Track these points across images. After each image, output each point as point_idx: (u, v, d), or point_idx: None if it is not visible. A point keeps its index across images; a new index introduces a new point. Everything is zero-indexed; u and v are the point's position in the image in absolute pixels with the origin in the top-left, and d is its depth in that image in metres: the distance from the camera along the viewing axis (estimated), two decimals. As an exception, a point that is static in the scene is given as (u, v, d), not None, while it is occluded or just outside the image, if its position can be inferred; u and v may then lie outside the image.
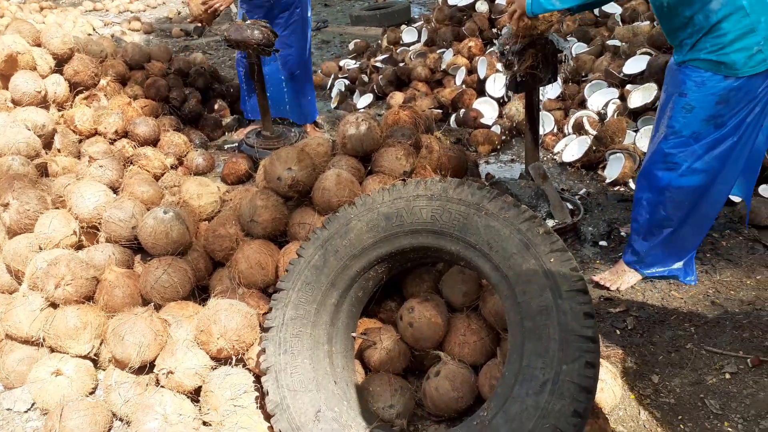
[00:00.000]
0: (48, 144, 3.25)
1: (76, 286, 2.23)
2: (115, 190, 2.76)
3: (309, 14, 4.30)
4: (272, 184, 2.47)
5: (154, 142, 3.66)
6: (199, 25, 3.99)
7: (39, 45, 3.63)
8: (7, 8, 8.18)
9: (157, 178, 3.42)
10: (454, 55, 5.29)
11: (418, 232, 1.95)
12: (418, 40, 6.14)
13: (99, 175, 2.75)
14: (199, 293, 2.44)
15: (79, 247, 2.53)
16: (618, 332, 2.40)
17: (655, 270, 2.60)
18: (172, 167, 3.57)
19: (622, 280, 2.63)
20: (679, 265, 2.57)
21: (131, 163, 3.40)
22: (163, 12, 10.19)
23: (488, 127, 4.46)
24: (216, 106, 4.81)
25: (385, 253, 2.00)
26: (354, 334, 2.10)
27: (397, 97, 5.13)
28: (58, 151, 3.27)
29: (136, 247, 2.49)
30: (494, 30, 5.36)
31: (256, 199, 2.43)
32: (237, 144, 4.36)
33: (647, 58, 3.97)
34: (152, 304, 2.20)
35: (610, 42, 4.63)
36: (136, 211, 2.49)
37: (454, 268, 2.22)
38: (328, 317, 1.99)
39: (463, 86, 4.98)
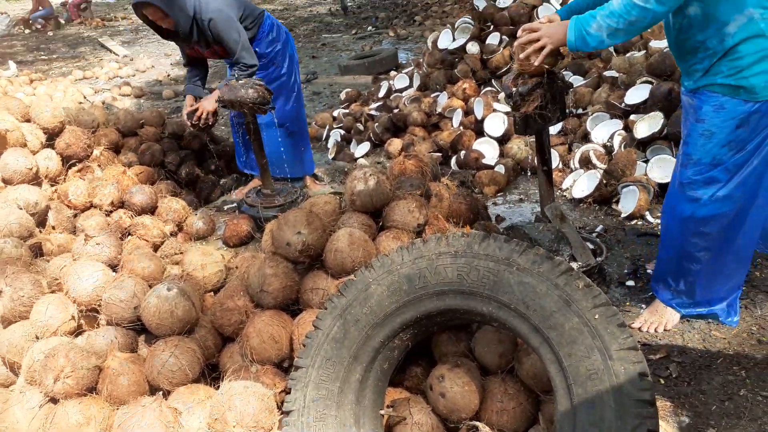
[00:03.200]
0: (41, 221, 3.12)
1: (76, 378, 2.05)
2: (113, 267, 2.61)
3: (288, 69, 4.18)
4: (281, 250, 2.33)
5: (151, 209, 3.53)
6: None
7: (28, 120, 3.54)
8: (-3, 83, 8.19)
9: (156, 247, 3.28)
10: (449, 97, 5.24)
11: (445, 294, 1.80)
12: (410, 86, 6.11)
13: (96, 253, 2.60)
14: (209, 371, 2.27)
15: (78, 332, 2.37)
16: (662, 381, 2.23)
17: (694, 309, 2.44)
18: (171, 234, 3.44)
19: (663, 320, 2.47)
20: (721, 305, 2.41)
21: (129, 233, 3.27)
22: (153, 75, 10.23)
23: (491, 167, 4.36)
24: (212, 167, 4.71)
25: (410, 318, 1.84)
26: (382, 411, 1.92)
27: (395, 144, 5.05)
28: (53, 227, 3.14)
29: (139, 329, 2.33)
30: (487, 70, 5.34)
31: (264, 267, 2.28)
32: (237, 204, 4.23)
33: (648, 86, 3.90)
34: (160, 393, 2.03)
35: (607, 73, 4.59)
36: (138, 289, 2.33)
37: (488, 327, 2.07)
38: (354, 396, 1.82)
39: (461, 128, 4.91)
